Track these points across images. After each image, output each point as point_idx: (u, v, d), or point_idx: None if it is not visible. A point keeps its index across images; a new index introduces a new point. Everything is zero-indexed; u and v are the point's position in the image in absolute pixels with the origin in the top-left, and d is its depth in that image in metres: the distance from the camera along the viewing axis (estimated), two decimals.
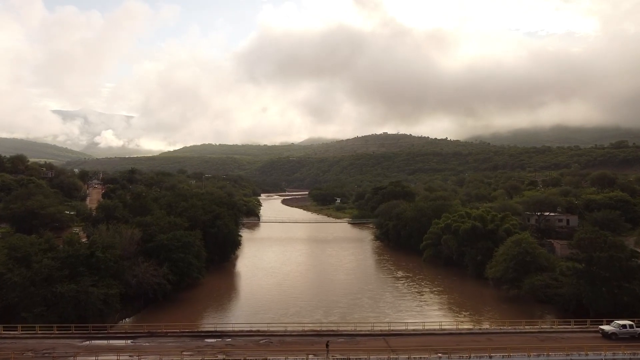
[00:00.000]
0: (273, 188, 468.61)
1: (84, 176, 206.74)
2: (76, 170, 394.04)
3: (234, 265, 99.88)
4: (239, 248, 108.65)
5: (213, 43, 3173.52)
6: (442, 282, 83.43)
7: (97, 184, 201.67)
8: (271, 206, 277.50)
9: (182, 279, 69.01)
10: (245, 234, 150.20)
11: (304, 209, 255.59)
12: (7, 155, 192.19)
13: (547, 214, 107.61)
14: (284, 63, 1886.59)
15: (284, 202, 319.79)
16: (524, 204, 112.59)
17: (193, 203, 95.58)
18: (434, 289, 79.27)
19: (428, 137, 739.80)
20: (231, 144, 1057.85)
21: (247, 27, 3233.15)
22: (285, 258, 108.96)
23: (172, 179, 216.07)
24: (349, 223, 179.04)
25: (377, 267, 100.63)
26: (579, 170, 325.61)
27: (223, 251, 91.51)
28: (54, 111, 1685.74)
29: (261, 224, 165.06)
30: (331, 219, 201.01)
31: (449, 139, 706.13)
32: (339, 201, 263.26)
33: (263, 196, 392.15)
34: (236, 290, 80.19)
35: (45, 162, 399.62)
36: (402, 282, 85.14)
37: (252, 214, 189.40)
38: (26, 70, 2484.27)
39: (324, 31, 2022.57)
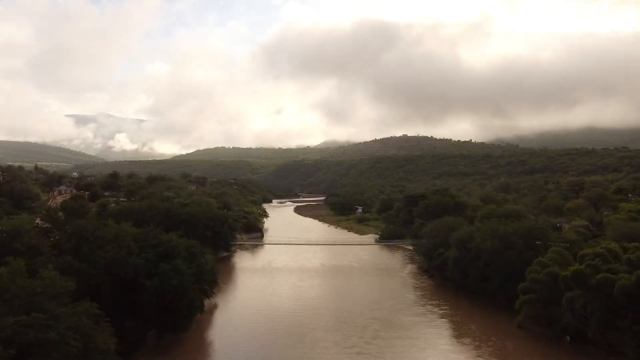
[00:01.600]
0: (286, 193, 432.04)
1: (52, 181, 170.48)
2: (74, 174, 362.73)
3: (199, 334, 60.59)
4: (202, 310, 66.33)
5: (230, 36, 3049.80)
6: None
7: (66, 190, 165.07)
8: (282, 216, 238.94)
9: None
10: (242, 258, 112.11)
11: (320, 220, 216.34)
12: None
13: None
14: (306, 60, 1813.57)
15: (297, 209, 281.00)
16: None
17: (119, 232, 55.74)
18: None
19: (451, 139, 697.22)
20: (245, 147, 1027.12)
21: (269, 19, 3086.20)
22: (291, 315, 69.68)
23: (159, 185, 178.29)
24: (376, 241, 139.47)
25: (439, 334, 61.08)
26: (632, 174, 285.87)
27: (174, 317, 51.91)
28: (68, 115, 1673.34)
29: (265, 246, 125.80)
30: (353, 235, 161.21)
31: (473, 141, 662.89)
32: (361, 210, 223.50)
33: (275, 202, 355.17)
34: None
35: (37, 165, 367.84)
36: None
37: (253, 230, 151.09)
38: (35, 69, 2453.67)
39: (354, 25, 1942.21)
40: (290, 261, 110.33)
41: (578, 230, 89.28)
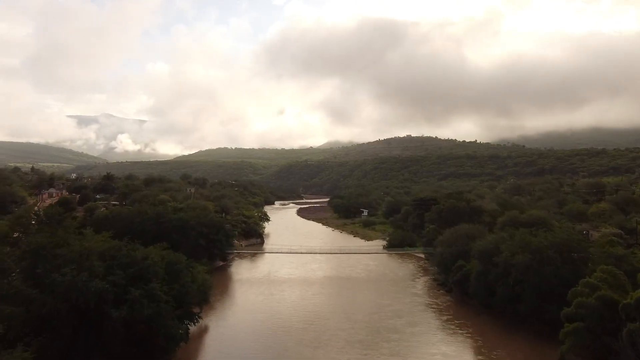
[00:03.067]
0: (289, 195, 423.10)
1: (42, 183, 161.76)
2: (73, 175, 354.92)
3: None
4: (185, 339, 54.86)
5: (232, 34, 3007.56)
6: None
7: (57, 192, 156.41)
8: (284, 219, 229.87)
9: None
10: (240, 268, 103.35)
11: (323, 223, 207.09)
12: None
13: None
14: (309, 59, 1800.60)
15: (300, 212, 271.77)
16: None
17: (83, 249, 46.33)
18: None
19: (455, 139, 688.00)
20: (247, 147, 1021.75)
21: (272, 16, 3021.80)
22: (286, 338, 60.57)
23: (155, 187, 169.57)
24: (384, 248, 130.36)
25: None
26: None
27: (149, 352, 42.41)
28: (70, 116, 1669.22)
29: (265, 255, 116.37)
30: (359, 241, 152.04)
31: (478, 141, 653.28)
32: (366, 214, 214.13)
33: (277, 204, 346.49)
34: None
35: (33, 166, 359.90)
36: None
37: (253, 235, 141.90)
38: (32, 67, 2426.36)
39: (359, 23, 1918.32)
40: (293, 272, 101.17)
41: (611, 240, 79.97)
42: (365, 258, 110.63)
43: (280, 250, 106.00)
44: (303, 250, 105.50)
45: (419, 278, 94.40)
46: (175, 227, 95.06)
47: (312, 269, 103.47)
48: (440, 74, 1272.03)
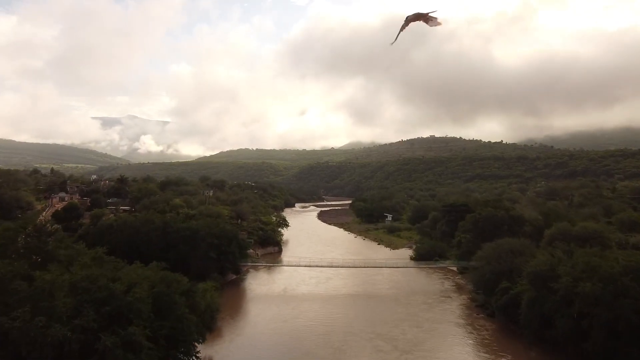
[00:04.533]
0: (310, 196, 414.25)
1: (53, 187, 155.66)
2: (93, 176, 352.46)
3: None
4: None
5: (255, 33, 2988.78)
6: None
7: (69, 196, 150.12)
8: (304, 223, 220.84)
9: None
10: (255, 282, 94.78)
11: (345, 229, 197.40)
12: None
13: None
14: (332, 58, 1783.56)
15: (321, 215, 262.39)
16: None
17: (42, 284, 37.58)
18: None
19: (481, 139, 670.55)
20: (268, 148, 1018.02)
21: (296, 15, 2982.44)
22: None
23: (168, 192, 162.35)
24: (411, 259, 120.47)
25: None
26: None
27: None
28: (94, 117, 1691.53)
29: (282, 268, 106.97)
30: (384, 249, 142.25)
31: (504, 141, 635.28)
32: (390, 219, 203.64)
33: (297, 207, 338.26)
34: None
35: (52, 168, 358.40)
36: None
37: (270, 243, 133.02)
38: (56, 69, 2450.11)
39: (384, 21, 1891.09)
40: (312, 287, 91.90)
41: None
42: (392, 271, 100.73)
43: (299, 263, 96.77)
44: (323, 264, 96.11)
45: (454, 297, 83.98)
46: (183, 237, 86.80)
47: (334, 284, 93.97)
48: (467, 72, 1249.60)
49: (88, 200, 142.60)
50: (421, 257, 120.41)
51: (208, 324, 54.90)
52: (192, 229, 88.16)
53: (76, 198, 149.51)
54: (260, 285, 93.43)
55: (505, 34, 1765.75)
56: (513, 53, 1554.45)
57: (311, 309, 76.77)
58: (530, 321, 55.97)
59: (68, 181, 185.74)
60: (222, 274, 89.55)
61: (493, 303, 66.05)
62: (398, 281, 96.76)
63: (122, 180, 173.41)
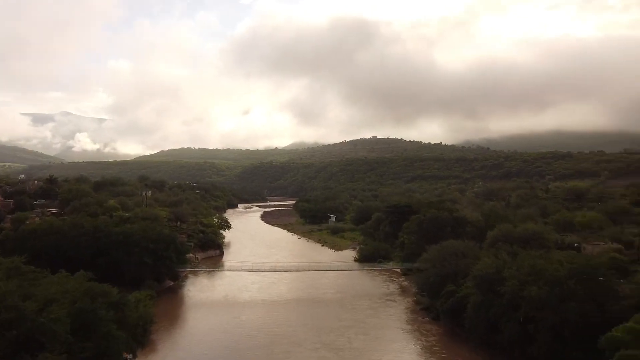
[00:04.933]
0: (253, 197, 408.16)
1: None
2: (21, 176, 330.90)
3: None
4: None
5: (199, 29, 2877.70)
6: None
7: None
8: (247, 224, 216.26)
9: None
10: (194, 288, 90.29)
11: (289, 230, 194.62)
12: None
13: None
14: (278, 58, 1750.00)
15: (265, 216, 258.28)
16: None
17: None
18: None
19: (421, 141, 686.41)
20: (211, 148, 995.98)
21: (241, 12, 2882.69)
22: None
23: (103, 193, 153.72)
24: (355, 261, 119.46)
25: None
26: (611, 179, 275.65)
27: None
28: (24, 114, 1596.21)
29: (224, 273, 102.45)
30: (327, 251, 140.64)
31: (444, 143, 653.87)
32: (334, 219, 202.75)
33: (241, 207, 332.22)
34: None
35: None
36: None
37: (211, 246, 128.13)
38: None
39: (331, 21, 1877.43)
40: (255, 292, 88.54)
41: (613, 256, 70.89)
42: (337, 274, 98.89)
43: (241, 268, 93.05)
44: (266, 267, 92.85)
45: (398, 300, 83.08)
46: (116, 242, 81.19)
47: (278, 289, 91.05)
48: (410, 75, 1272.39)
49: (12, 203, 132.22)
50: (365, 258, 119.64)
51: (140, 339, 50.55)
52: (126, 233, 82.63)
53: None
54: (200, 291, 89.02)
55: (448, 38, 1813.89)
56: (455, 57, 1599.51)
57: (253, 317, 73.47)
58: (477, 325, 55.46)
59: None
60: (159, 280, 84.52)
61: (438, 306, 65.32)
62: (343, 284, 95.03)
63: (51, 180, 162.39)
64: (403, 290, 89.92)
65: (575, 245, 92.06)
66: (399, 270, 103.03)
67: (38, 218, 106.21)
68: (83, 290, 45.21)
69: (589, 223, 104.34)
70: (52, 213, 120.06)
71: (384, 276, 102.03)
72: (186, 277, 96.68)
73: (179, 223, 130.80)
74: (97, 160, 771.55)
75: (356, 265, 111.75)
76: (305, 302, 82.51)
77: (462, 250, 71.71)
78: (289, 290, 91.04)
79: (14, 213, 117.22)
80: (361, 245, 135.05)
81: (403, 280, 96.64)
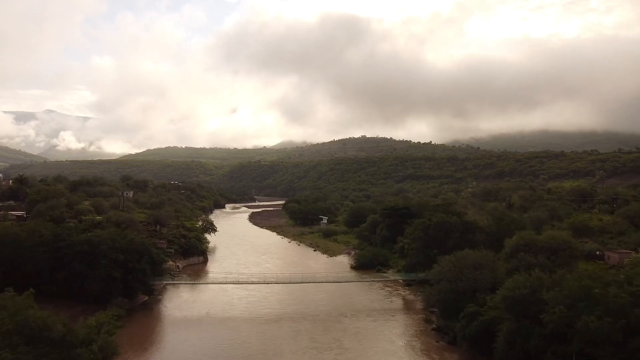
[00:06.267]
0: (241, 197, 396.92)
1: None
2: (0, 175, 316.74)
3: None
4: None
5: (184, 23, 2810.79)
6: None
7: None
8: (234, 226, 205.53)
9: None
10: (172, 302, 79.81)
11: (279, 232, 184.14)
12: None
13: None
14: (266, 54, 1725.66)
15: (253, 217, 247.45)
16: None
17: None
18: None
19: (411, 140, 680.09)
20: (198, 146, 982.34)
21: (228, 6, 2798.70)
22: None
23: (78, 193, 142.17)
24: (351, 269, 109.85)
25: None
26: (607, 178, 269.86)
27: None
28: (6, 112, 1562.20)
29: (207, 286, 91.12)
30: (320, 257, 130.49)
31: (433, 142, 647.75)
32: (326, 221, 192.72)
33: (228, 208, 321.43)
34: None
35: None
36: None
37: (194, 253, 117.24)
38: None
39: (321, 18, 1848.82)
40: (242, 308, 77.98)
41: None
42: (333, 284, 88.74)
43: (225, 280, 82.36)
44: (254, 280, 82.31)
45: (404, 318, 72.91)
46: (79, 253, 70.21)
47: (267, 304, 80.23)
48: (400, 73, 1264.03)
49: None
50: (362, 265, 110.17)
51: None
52: (91, 242, 71.66)
53: None
54: (179, 308, 78.16)
55: (439, 36, 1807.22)
56: (445, 56, 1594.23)
57: (239, 339, 63.04)
58: (511, 359, 45.58)
59: None
60: (130, 296, 73.61)
61: (458, 330, 55.34)
62: (340, 296, 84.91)
63: (21, 180, 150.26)
64: (408, 305, 79.89)
65: (598, 253, 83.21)
66: (400, 280, 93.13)
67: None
68: (17, 322, 34.68)
69: (607, 227, 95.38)
70: (17, 217, 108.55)
71: (385, 287, 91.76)
72: (164, 289, 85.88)
73: (158, 227, 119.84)
74: (81, 159, 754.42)
75: (353, 274, 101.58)
76: (297, 321, 72.17)
77: (482, 262, 61.98)
78: (280, 305, 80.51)
79: None
80: (357, 251, 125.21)
81: (406, 293, 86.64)
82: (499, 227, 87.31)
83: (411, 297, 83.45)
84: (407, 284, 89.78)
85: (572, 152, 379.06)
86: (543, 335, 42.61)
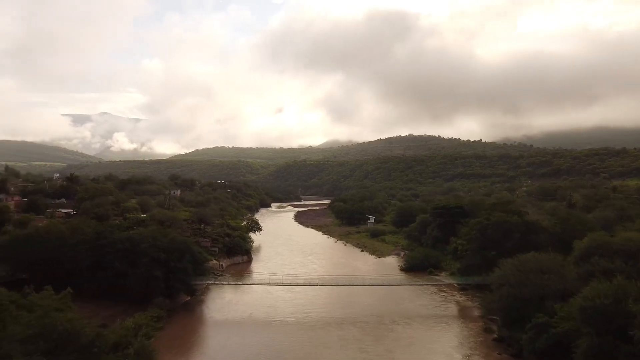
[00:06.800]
0: (287, 196, 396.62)
1: None
2: (56, 175, 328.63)
3: None
4: None
5: (230, 23, 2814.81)
6: None
7: (9, 197, 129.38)
8: (279, 225, 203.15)
9: None
10: (214, 303, 77.16)
11: (324, 232, 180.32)
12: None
13: None
14: (311, 53, 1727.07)
15: (298, 216, 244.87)
16: None
17: None
18: None
19: (459, 138, 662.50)
20: (245, 146, 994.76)
21: (274, 5, 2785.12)
22: None
23: (125, 192, 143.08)
24: (401, 270, 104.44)
25: None
26: None
27: None
28: (64, 115, 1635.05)
29: (250, 287, 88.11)
30: (368, 258, 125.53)
31: (484, 140, 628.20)
32: (373, 221, 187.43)
33: (274, 207, 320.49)
34: None
35: (7, 166, 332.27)
36: None
37: (238, 252, 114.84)
38: (14, 58, 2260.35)
39: (367, 14, 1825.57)
40: (285, 309, 74.45)
41: None
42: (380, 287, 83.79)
43: (269, 282, 78.91)
44: (299, 282, 78.55)
45: (460, 326, 67.21)
46: (120, 251, 68.42)
47: (312, 307, 76.23)
48: (448, 69, 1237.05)
49: (25, 202, 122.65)
50: (413, 267, 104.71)
51: None
52: (132, 240, 69.80)
53: (15, 200, 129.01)
54: (220, 309, 75.31)
55: (490, 30, 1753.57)
56: (495, 50, 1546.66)
57: (282, 346, 59.27)
58: None
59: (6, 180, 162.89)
60: (172, 296, 71.41)
61: (525, 343, 49.46)
62: (390, 301, 79.79)
63: (71, 178, 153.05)
64: (464, 312, 73.94)
65: None
66: (454, 283, 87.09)
67: (45, 220, 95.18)
68: (46, 323, 31.97)
69: None
70: (65, 214, 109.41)
71: (439, 292, 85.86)
72: (207, 289, 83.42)
73: (202, 226, 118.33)
74: (133, 160, 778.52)
75: (404, 277, 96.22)
76: (344, 326, 67.69)
77: (550, 266, 55.66)
78: (326, 308, 76.39)
79: (25, 212, 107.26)
80: (406, 252, 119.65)
81: (462, 298, 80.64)
82: (564, 227, 79.97)
83: (468, 303, 77.38)
84: (462, 288, 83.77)
85: (635, 148, 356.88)
86: (632, 354, 36.55)
